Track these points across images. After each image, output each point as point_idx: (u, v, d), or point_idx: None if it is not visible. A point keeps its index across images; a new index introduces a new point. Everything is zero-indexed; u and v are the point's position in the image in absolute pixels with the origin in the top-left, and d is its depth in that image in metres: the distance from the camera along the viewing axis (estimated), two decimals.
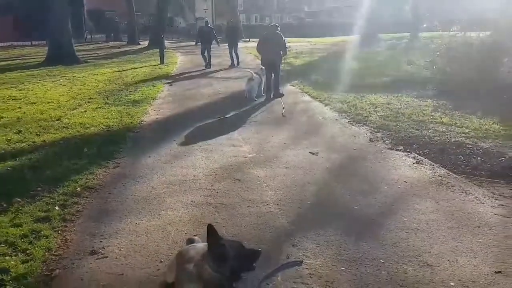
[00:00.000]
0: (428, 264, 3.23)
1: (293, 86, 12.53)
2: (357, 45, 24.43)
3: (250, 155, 5.99)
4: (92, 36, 38.71)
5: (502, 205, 4.30)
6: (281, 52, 10.62)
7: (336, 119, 8.27)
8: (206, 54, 17.14)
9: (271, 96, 10.39)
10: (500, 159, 5.66)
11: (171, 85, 12.71)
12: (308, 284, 3.03)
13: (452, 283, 3.00)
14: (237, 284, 2.84)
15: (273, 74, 10.56)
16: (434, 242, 3.56)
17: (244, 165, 5.60)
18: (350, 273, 3.15)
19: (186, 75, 15.24)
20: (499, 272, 3.12)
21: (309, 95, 10.99)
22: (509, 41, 11.13)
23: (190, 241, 3.33)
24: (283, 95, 10.51)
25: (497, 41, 10.75)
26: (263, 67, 10.74)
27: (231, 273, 2.58)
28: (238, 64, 17.55)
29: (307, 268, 3.22)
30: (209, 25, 18.60)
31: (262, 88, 10.75)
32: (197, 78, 14.30)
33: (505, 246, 3.47)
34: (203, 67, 16.97)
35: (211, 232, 2.56)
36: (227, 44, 18.16)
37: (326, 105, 9.64)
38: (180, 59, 20.78)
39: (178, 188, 4.81)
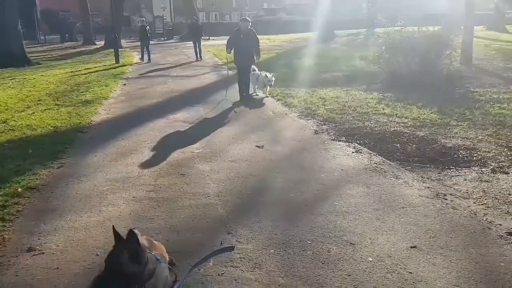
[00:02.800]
0: (350, 243, 3.47)
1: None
2: (314, 42, 24.94)
3: (197, 151, 6.11)
4: (46, 37, 37.53)
5: (428, 187, 4.61)
6: (254, 55, 9.86)
7: (286, 114, 8.50)
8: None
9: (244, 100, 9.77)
10: (433, 145, 6.02)
11: (124, 84, 12.64)
12: (238, 267, 3.20)
13: (370, 259, 3.24)
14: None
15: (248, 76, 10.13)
16: (359, 223, 3.81)
17: (190, 160, 5.72)
18: (278, 255, 3.34)
19: (142, 74, 15.15)
20: (414, 247, 3.38)
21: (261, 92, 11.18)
22: (451, 33, 11.73)
23: None
24: (255, 95, 10.46)
25: (439, 34, 11.27)
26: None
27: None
28: (201, 58, 19.30)
29: (238, 253, 3.38)
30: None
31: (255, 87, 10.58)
32: (152, 77, 14.24)
33: (423, 224, 3.76)
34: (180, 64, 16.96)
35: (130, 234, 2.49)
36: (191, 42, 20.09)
37: (277, 100, 9.87)
38: (136, 58, 20.54)
39: (122, 185, 4.88)
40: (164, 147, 6.28)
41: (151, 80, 13.61)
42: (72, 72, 15.61)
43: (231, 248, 3.43)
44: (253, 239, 3.60)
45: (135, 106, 9.48)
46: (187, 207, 4.25)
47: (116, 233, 2.44)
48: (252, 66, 10.19)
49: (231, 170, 5.28)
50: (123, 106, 9.48)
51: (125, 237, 2.41)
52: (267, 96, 10.20)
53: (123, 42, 31.07)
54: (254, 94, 10.61)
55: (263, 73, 10.26)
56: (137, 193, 4.62)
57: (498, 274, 3.01)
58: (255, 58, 9.98)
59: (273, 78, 10.20)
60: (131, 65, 18.01)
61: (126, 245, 2.38)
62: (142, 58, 19.25)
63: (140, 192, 4.66)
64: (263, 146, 6.26)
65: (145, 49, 19.18)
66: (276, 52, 20.85)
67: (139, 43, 20.38)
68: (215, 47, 25.24)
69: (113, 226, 2.50)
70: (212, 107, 9.19)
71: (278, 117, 8.28)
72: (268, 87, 10.36)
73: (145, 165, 5.53)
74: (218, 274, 3.10)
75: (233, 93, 10.09)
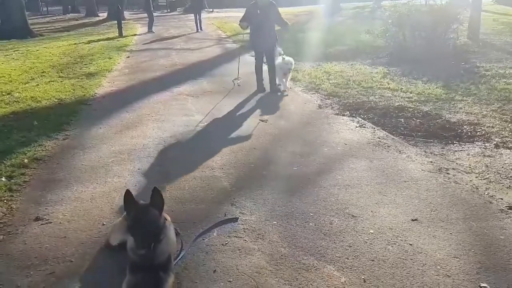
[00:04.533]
0: (352, 215, 3.51)
1: (252, 56, 12.51)
2: (320, 15, 24.55)
3: (201, 124, 6.13)
4: (49, 8, 37.21)
5: (431, 162, 4.63)
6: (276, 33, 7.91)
7: (290, 88, 8.44)
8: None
9: (266, 91, 8.03)
10: (437, 120, 6.00)
11: (128, 57, 12.57)
12: (241, 237, 3.26)
13: (371, 231, 3.29)
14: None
15: (266, 61, 8.10)
16: (361, 196, 3.85)
17: (194, 133, 5.74)
18: (281, 226, 3.40)
19: (145, 46, 15.04)
20: (415, 220, 3.43)
21: (266, 65, 11.08)
22: (459, 7, 11.51)
23: None
24: (282, 90, 8.01)
25: (446, 8, 11.07)
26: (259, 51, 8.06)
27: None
28: (201, 29, 19.66)
29: (242, 224, 3.44)
30: None
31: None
32: (155, 50, 14.14)
33: (424, 197, 3.79)
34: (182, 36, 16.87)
35: (126, 196, 2.62)
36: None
37: None
38: (140, 30, 20.35)
39: (127, 157, 4.92)
40: (168, 120, 6.29)
41: (155, 53, 13.51)
42: (75, 44, 15.51)
43: (235, 220, 3.49)
44: (256, 210, 3.65)
45: (138, 79, 9.45)
46: (191, 179, 4.29)
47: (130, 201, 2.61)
48: (278, 49, 8.13)
49: (235, 143, 5.31)
50: (127, 79, 9.45)
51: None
52: (285, 91, 7.94)
53: (126, 14, 30.73)
54: (279, 85, 8.14)
55: (280, 57, 7.98)
56: (142, 165, 4.67)
57: (498, 247, 3.06)
58: (276, 35, 7.93)
59: (293, 62, 7.97)
60: (134, 37, 17.85)
61: (153, 202, 2.60)
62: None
63: (145, 164, 4.70)
64: (267, 120, 6.27)
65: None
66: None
67: (142, 15, 20.37)
68: (218, 19, 24.92)
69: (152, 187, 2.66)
70: (216, 81, 9.16)
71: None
72: (288, 76, 8.12)
73: (150, 137, 5.56)
74: (222, 244, 3.16)
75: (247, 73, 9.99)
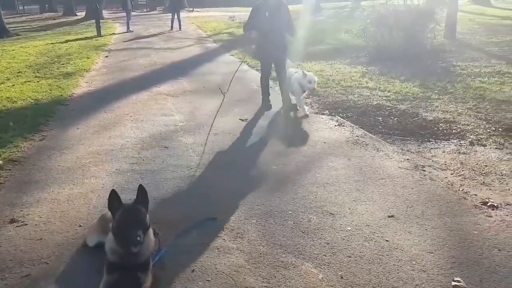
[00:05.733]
0: (330, 213, 3.55)
1: (232, 55, 12.59)
2: (300, 14, 24.64)
3: (181, 124, 6.10)
4: (25, 7, 36.48)
5: (407, 159, 4.71)
6: (287, 36, 6.49)
7: (270, 87, 8.46)
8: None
9: (272, 108, 6.77)
10: (414, 119, 6.10)
11: (106, 56, 12.43)
12: (220, 236, 3.26)
13: (349, 228, 3.33)
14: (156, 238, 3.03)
15: (276, 73, 6.82)
16: (339, 194, 3.89)
17: (173, 133, 5.72)
18: (260, 224, 3.41)
19: (124, 46, 14.89)
20: (392, 216, 3.48)
21: (247, 64, 11.09)
22: (435, 7, 11.73)
23: None
24: (297, 108, 6.66)
25: (424, 8, 11.27)
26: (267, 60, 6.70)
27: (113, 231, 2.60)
28: (180, 28, 19.81)
29: (221, 223, 3.44)
30: None
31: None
32: (135, 49, 14.00)
33: (401, 194, 3.86)
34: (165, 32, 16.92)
35: (112, 195, 2.65)
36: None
37: None
38: (119, 29, 20.14)
39: (104, 157, 4.87)
40: (147, 120, 6.25)
41: (134, 52, 13.38)
42: (52, 43, 15.26)
43: (214, 219, 3.49)
44: (235, 209, 3.65)
45: (117, 79, 9.35)
46: (170, 179, 4.27)
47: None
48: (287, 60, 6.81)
49: (215, 143, 5.30)
50: (105, 79, 9.34)
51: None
52: (307, 114, 6.43)
53: (105, 13, 30.35)
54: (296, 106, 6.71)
55: (298, 71, 6.54)
56: (120, 166, 4.62)
57: (471, 242, 3.13)
58: (286, 40, 6.51)
59: (316, 79, 6.34)
60: (113, 36, 17.66)
61: (140, 201, 2.66)
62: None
63: (123, 164, 4.66)
64: (246, 119, 6.28)
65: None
66: None
67: (121, 14, 20.24)
68: (199, 18, 24.84)
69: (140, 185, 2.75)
70: (196, 80, 9.12)
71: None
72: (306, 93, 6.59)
73: (128, 137, 5.51)
74: (201, 244, 3.16)
75: (221, 68, 9.97)
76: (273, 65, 6.78)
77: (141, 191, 2.65)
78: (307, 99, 7.38)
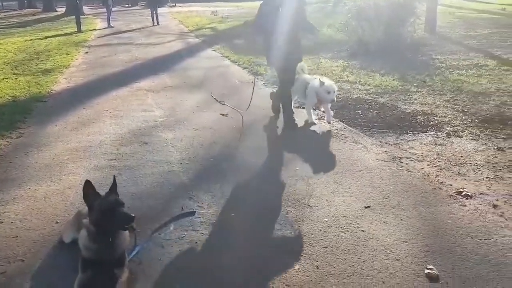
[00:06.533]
0: (308, 205, 3.58)
1: (214, 51, 12.57)
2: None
3: (161, 119, 6.07)
4: (4, 3, 35.76)
5: (385, 151, 4.77)
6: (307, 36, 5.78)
7: (252, 82, 8.46)
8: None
9: (285, 127, 5.63)
10: (392, 111, 6.18)
11: (86, 52, 12.28)
12: (198, 230, 3.26)
13: (326, 219, 3.36)
14: (132, 233, 3.03)
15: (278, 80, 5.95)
16: (317, 186, 3.93)
17: (153, 128, 5.69)
18: (239, 218, 3.43)
19: (104, 41, 14.73)
20: (368, 207, 3.53)
21: (229, 59, 11.10)
22: (416, 1, 11.83)
23: None
24: (296, 125, 5.65)
25: (404, 2, 11.36)
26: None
27: (96, 224, 2.56)
28: (158, 23, 20.11)
29: (199, 217, 3.44)
30: None
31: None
32: (115, 45, 13.87)
33: (378, 185, 3.91)
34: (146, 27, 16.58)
35: (86, 186, 2.61)
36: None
37: (244, 68, 9.83)
38: (99, 25, 19.90)
39: (82, 154, 4.83)
40: (127, 116, 6.20)
41: (114, 48, 13.25)
42: (31, 40, 15.02)
43: (192, 213, 3.49)
44: (214, 204, 3.66)
45: (97, 75, 9.25)
46: (149, 174, 4.26)
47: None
48: (300, 63, 5.79)
49: (195, 138, 5.29)
50: (85, 75, 9.24)
51: None
52: (314, 122, 5.76)
53: (86, 8, 29.92)
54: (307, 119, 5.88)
55: (315, 79, 5.60)
56: (98, 162, 4.59)
57: (445, 231, 3.19)
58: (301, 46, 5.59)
59: (336, 89, 5.51)
60: (93, 32, 17.44)
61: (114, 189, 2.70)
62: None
63: (101, 160, 4.62)
64: (227, 114, 6.27)
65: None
66: (244, 19, 20.54)
67: (102, 10, 20.03)
68: (181, 14, 24.65)
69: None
70: (177, 76, 9.07)
71: (244, 85, 8.26)
72: (329, 105, 5.68)
73: (107, 134, 5.47)
74: (179, 238, 3.16)
75: (203, 63, 9.93)
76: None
77: (114, 182, 2.69)
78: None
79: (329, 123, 5.69)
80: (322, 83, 5.44)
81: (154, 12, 20.05)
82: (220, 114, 6.29)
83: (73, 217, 3.18)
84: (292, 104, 5.87)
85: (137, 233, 3.17)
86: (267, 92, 7.60)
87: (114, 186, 2.69)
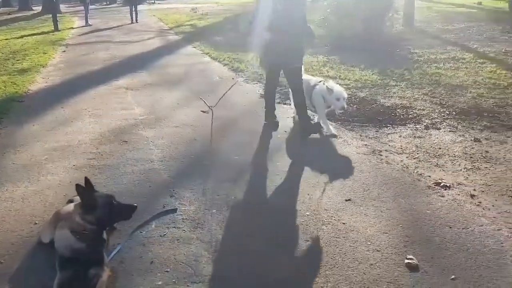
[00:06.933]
0: (290, 199, 3.60)
1: (194, 47, 12.48)
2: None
3: (141, 117, 6.01)
4: None
5: (365, 145, 4.82)
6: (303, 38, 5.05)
7: (233, 78, 8.45)
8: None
9: (302, 134, 5.18)
10: (372, 105, 6.24)
11: (64, 51, 12.08)
12: (180, 227, 3.25)
13: (307, 213, 3.39)
14: (111, 233, 3.01)
15: (289, 89, 5.57)
16: (299, 180, 3.95)
17: (133, 127, 5.63)
18: (221, 214, 3.43)
19: (82, 40, 14.51)
20: (349, 200, 3.57)
21: (209, 56, 11.04)
22: None
23: (71, 201, 3.37)
24: (320, 127, 5.24)
25: None
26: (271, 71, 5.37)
27: (100, 221, 2.66)
28: (136, 21, 19.64)
29: (181, 214, 3.43)
30: None
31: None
32: (93, 43, 13.67)
33: (358, 178, 3.95)
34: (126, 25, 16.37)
35: (79, 189, 2.63)
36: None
37: (224, 65, 9.78)
38: (77, 23, 19.59)
39: (61, 153, 4.75)
40: (106, 115, 6.13)
41: (93, 46, 13.06)
42: (7, 39, 14.70)
43: (174, 210, 3.48)
44: (196, 200, 3.65)
45: (75, 73, 9.11)
46: (130, 173, 4.22)
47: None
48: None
49: (176, 136, 5.26)
50: (63, 74, 9.09)
51: None
52: (334, 134, 5.10)
53: (63, 7, 29.39)
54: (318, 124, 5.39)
55: (321, 83, 5.21)
56: (77, 161, 4.52)
57: (424, 221, 3.24)
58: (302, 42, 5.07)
59: (345, 96, 5.07)
60: (71, 30, 17.17)
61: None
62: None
63: (80, 160, 4.56)
64: (208, 111, 6.23)
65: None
66: (224, 16, 20.47)
67: (79, 8, 19.73)
68: (160, 11, 24.44)
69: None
70: (157, 73, 8.99)
71: (225, 82, 8.22)
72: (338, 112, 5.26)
73: (86, 133, 5.39)
74: (160, 236, 3.14)
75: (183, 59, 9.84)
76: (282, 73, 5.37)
77: (88, 182, 2.72)
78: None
79: (334, 134, 5.11)
80: (330, 90, 4.94)
81: (133, 10, 19.68)
82: (201, 111, 6.25)
83: (52, 217, 3.13)
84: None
85: (118, 232, 3.14)
86: (247, 88, 7.62)
87: (89, 186, 2.67)
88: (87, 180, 2.68)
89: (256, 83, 7.95)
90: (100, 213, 2.64)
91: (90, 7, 20.76)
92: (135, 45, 12.92)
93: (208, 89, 7.61)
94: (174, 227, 3.26)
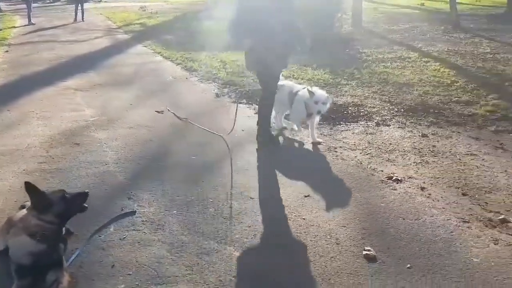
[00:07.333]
0: (251, 198, 3.64)
1: (145, 46, 12.27)
2: (215, 4, 24.54)
3: (92, 119, 5.84)
4: None
5: (321, 142, 4.93)
6: (293, 46, 4.64)
7: (186, 78, 8.40)
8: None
9: (257, 140, 4.87)
10: None
11: (6, 51, 11.48)
12: (140, 230, 3.20)
13: (269, 210, 3.44)
14: (68, 237, 2.91)
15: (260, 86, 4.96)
16: (259, 179, 4.00)
17: (85, 129, 5.46)
18: (181, 214, 3.40)
19: (26, 39, 13.84)
20: (308, 196, 3.65)
21: (161, 55, 10.89)
22: None
23: (23, 207, 3.23)
24: (276, 141, 4.99)
25: None
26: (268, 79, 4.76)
27: (60, 217, 2.62)
28: (83, 19, 18.99)
29: (140, 217, 3.37)
30: None
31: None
32: (38, 43, 13.09)
33: (315, 175, 4.06)
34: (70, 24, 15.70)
35: (30, 188, 2.55)
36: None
37: (177, 64, 9.69)
38: (19, 22, 18.67)
39: (10, 158, 4.53)
40: (55, 117, 5.89)
41: (37, 46, 12.50)
42: None
43: (133, 213, 3.42)
44: (155, 202, 3.60)
45: (19, 74, 8.68)
46: (84, 176, 4.09)
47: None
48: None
49: (130, 137, 5.15)
50: (6, 75, 8.64)
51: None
52: (320, 142, 4.89)
53: (3, 5, 27.88)
54: (288, 128, 5.40)
55: (301, 88, 5.01)
56: (27, 166, 4.33)
57: (378, 213, 3.38)
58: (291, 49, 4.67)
59: (330, 101, 4.95)
60: (13, 29, 16.35)
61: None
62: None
63: (31, 164, 4.37)
64: (163, 111, 6.17)
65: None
66: (174, 15, 20.21)
67: (21, 6, 18.81)
68: (107, 9, 23.77)
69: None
70: (106, 73, 8.76)
71: (178, 81, 8.17)
72: (317, 118, 4.96)
73: (35, 136, 5.17)
74: (120, 239, 3.08)
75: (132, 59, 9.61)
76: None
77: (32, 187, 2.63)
78: (224, 89, 7.41)
79: (314, 141, 4.89)
80: (312, 94, 4.71)
81: (79, 8, 19.02)
82: (156, 111, 6.17)
83: (4, 224, 2.99)
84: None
85: (75, 237, 3.05)
86: (202, 87, 7.60)
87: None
88: (28, 184, 2.57)
89: (211, 82, 7.95)
90: (58, 209, 2.60)
91: (33, 5, 19.83)
92: (82, 45, 12.50)
93: (161, 89, 7.54)
94: (134, 229, 3.21)
